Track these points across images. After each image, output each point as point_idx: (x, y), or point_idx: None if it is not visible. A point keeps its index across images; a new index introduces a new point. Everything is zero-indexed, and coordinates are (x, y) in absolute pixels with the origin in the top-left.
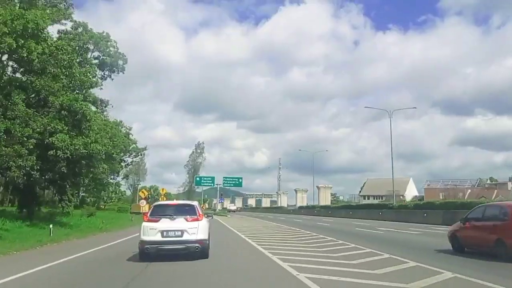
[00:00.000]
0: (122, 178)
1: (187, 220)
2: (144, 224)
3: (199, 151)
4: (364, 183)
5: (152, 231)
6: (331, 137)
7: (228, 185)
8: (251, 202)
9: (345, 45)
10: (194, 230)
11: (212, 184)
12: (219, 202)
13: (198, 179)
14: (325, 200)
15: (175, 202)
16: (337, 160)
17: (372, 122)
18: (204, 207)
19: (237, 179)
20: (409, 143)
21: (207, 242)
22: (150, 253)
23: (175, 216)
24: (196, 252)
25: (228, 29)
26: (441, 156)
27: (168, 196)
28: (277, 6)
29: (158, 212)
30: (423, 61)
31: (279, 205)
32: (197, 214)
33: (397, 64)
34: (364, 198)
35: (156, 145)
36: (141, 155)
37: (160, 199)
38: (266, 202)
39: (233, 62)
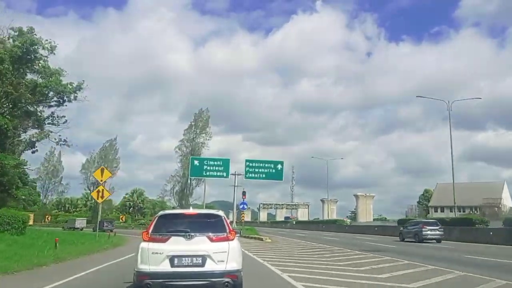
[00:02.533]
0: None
1: (211, 240)
2: (143, 245)
3: (200, 124)
4: (425, 190)
5: (157, 256)
6: (339, 150)
7: (257, 174)
8: (263, 216)
9: (358, 56)
10: (223, 256)
11: (225, 174)
12: (240, 209)
13: (196, 163)
14: (366, 214)
15: (192, 211)
16: (343, 173)
17: (381, 136)
18: (242, 219)
19: (273, 166)
20: (415, 157)
21: (241, 273)
22: None
23: (192, 234)
24: None
25: (238, 38)
26: None
27: (140, 197)
28: (288, 16)
29: (166, 227)
30: (436, 73)
31: (296, 217)
32: (227, 231)
33: (409, 76)
34: (436, 211)
35: (160, 156)
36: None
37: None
38: (281, 215)
39: (241, 72)
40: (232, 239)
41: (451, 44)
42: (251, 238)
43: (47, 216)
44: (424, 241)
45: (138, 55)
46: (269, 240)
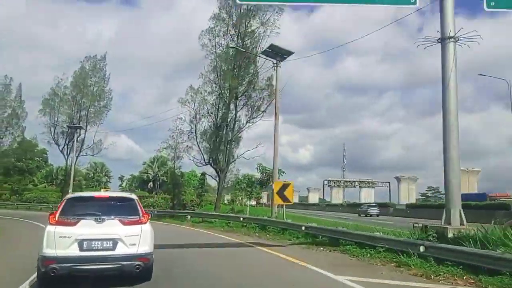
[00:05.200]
0: None
1: (123, 223)
2: (50, 229)
3: None
4: None
5: (64, 240)
6: (382, 132)
7: None
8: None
9: (408, 31)
10: (135, 239)
11: None
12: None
13: None
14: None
15: (103, 194)
16: (385, 156)
17: (426, 116)
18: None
19: None
20: (462, 139)
21: (152, 256)
22: (58, 277)
23: (103, 217)
24: (137, 273)
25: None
26: None
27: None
28: None
29: (75, 210)
30: (491, 49)
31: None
32: (139, 214)
33: (461, 52)
34: None
35: None
36: None
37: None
38: (337, 196)
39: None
40: (145, 223)
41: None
42: None
43: None
44: (368, 215)
45: (180, 35)
46: None
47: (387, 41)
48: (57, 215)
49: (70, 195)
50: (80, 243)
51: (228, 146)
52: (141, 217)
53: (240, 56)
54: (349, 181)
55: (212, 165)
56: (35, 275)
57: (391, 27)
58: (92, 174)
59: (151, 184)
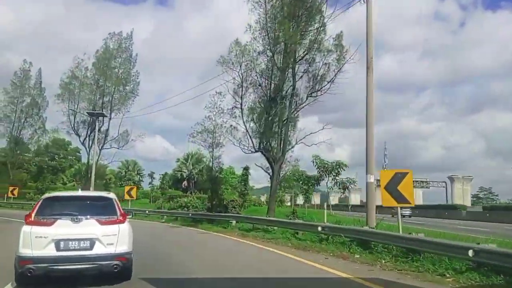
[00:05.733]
0: None
1: (100, 223)
2: (26, 229)
3: None
4: None
5: (41, 240)
6: (422, 131)
7: None
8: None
9: (449, 27)
10: (113, 239)
11: None
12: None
13: None
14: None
15: (80, 193)
16: (424, 156)
17: (469, 115)
18: None
19: None
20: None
21: (131, 256)
22: (34, 277)
23: (80, 216)
24: (115, 272)
25: None
26: None
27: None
28: None
29: (52, 210)
30: None
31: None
32: (117, 213)
33: (505, 47)
34: None
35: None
36: None
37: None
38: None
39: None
40: (123, 222)
41: None
42: None
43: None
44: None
45: (213, 35)
46: None
47: (427, 37)
48: (33, 215)
49: (46, 195)
50: (57, 243)
51: (283, 128)
52: (119, 216)
53: (300, 3)
54: None
55: (264, 152)
56: None
57: (431, 22)
58: (124, 173)
59: (185, 183)
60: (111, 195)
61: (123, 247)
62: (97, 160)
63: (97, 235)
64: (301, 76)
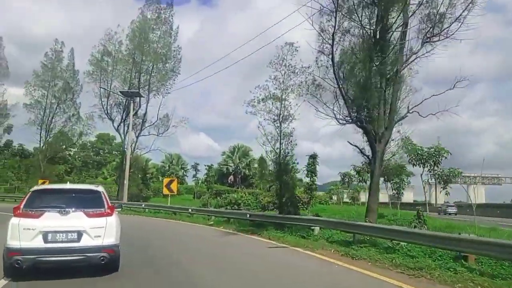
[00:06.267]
0: None
1: (88, 216)
2: (14, 221)
3: None
4: None
5: (29, 232)
6: (473, 127)
7: None
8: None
9: (504, 17)
10: (100, 231)
11: None
12: None
13: None
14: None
15: (68, 186)
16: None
17: None
18: None
19: None
20: None
21: (118, 248)
22: (22, 269)
23: (68, 209)
24: (102, 264)
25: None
26: None
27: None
28: None
29: (40, 202)
30: None
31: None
32: (105, 206)
33: None
34: None
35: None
36: None
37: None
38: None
39: None
40: (111, 215)
41: None
42: None
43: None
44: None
45: (258, 33)
46: None
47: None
48: (21, 207)
49: (35, 187)
50: (45, 235)
51: (391, 87)
52: (106, 209)
53: None
54: (469, 176)
55: (362, 124)
56: None
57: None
58: (167, 167)
59: (231, 178)
60: (99, 188)
61: (110, 239)
62: (134, 148)
63: (85, 227)
64: (414, 12)
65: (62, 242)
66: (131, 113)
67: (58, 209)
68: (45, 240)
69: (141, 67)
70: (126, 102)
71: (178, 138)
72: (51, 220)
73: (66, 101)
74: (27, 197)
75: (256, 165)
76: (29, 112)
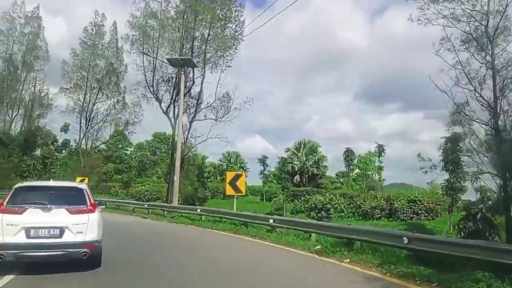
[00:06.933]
0: None
1: (70, 212)
2: None
3: None
4: None
5: (12, 228)
6: None
7: None
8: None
9: None
10: (82, 227)
11: None
12: None
13: None
14: None
15: (51, 183)
16: None
17: None
18: None
19: None
20: None
21: (100, 244)
22: (4, 263)
23: (50, 205)
24: (83, 260)
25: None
26: None
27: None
28: None
29: (23, 198)
30: None
31: None
32: (87, 203)
33: None
34: None
35: (333, 138)
36: None
37: None
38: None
39: (422, 39)
40: (93, 212)
41: None
42: None
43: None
44: None
45: (310, 33)
46: None
47: None
48: (5, 203)
49: (19, 184)
50: (27, 231)
51: None
52: (88, 206)
53: None
54: None
55: None
56: None
57: None
58: (225, 166)
59: (297, 177)
60: (82, 185)
61: (92, 235)
62: (187, 136)
63: (67, 223)
64: None
65: (44, 237)
66: (182, 89)
67: (41, 206)
68: (28, 236)
69: (194, 32)
70: (176, 78)
71: (233, 135)
72: (34, 216)
73: (110, 85)
74: (10, 193)
75: (324, 163)
76: (67, 98)
